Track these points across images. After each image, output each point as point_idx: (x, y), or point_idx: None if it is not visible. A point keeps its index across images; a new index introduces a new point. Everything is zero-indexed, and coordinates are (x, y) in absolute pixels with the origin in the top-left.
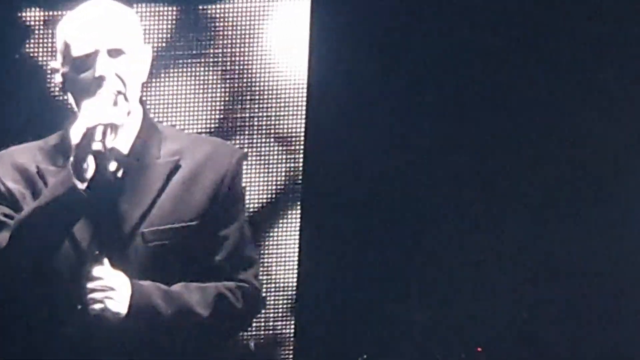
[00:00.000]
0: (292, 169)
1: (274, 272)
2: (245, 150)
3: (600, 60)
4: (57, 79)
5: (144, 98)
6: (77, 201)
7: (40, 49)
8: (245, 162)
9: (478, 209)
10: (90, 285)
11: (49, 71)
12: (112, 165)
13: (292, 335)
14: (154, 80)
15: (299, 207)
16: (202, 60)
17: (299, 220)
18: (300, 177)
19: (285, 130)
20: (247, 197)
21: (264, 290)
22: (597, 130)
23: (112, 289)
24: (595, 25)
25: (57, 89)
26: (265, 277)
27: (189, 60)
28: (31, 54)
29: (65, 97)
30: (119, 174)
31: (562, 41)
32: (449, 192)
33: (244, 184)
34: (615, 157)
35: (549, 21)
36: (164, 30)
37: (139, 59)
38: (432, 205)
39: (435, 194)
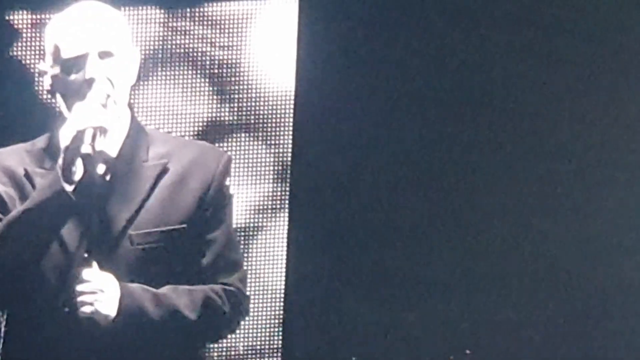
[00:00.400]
0: (279, 173)
1: (261, 277)
2: (232, 153)
3: (599, 60)
4: (46, 80)
5: (131, 101)
6: (65, 204)
7: (28, 52)
8: (232, 167)
9: (467, 212)
10: (79, 287)
11: (36, 73)
12: (101, 168)
13: (280, 340)
14: (141, 83)
15: (286, 212)
16: (190, 63)
17: (287, 225)
18: (288, 182)
19: (272, 134)
20: (234, 201)
21: (252, 295)
22: (594, 131)
23: (101, 291)
24: (595, 25)
25: (45, 91)
26: (253, 282)
27: (176, 64)
28: (18, 57)
29: (53, 99)
30: (107, 176)
31: (558, 40)
32: (438, 196)
33: (231, 189)
34: (613, 158)
35: (542, 20)
36: (151, 34)
37: (128, 61)
38: (421, 210)
39: (423, 199)
